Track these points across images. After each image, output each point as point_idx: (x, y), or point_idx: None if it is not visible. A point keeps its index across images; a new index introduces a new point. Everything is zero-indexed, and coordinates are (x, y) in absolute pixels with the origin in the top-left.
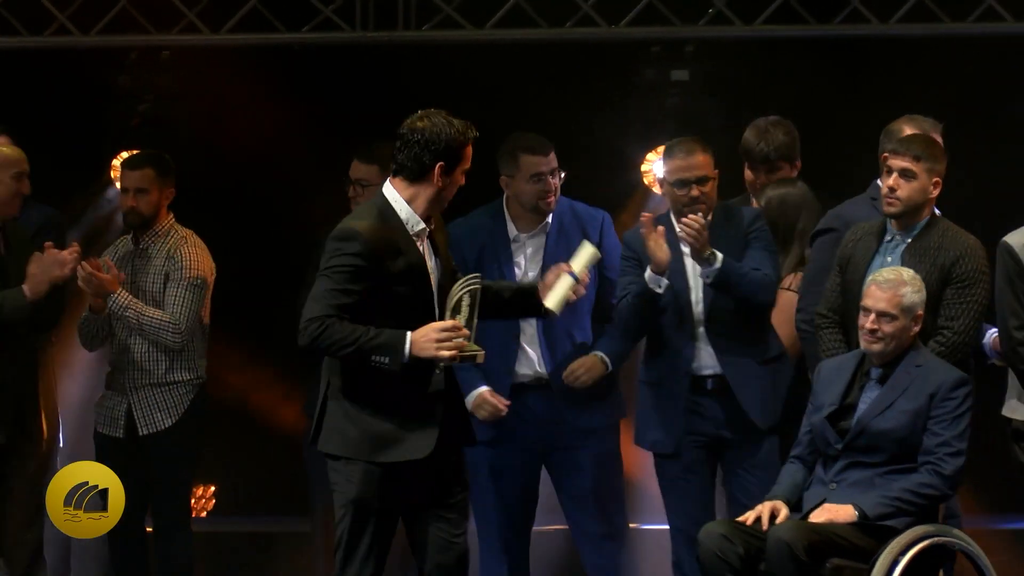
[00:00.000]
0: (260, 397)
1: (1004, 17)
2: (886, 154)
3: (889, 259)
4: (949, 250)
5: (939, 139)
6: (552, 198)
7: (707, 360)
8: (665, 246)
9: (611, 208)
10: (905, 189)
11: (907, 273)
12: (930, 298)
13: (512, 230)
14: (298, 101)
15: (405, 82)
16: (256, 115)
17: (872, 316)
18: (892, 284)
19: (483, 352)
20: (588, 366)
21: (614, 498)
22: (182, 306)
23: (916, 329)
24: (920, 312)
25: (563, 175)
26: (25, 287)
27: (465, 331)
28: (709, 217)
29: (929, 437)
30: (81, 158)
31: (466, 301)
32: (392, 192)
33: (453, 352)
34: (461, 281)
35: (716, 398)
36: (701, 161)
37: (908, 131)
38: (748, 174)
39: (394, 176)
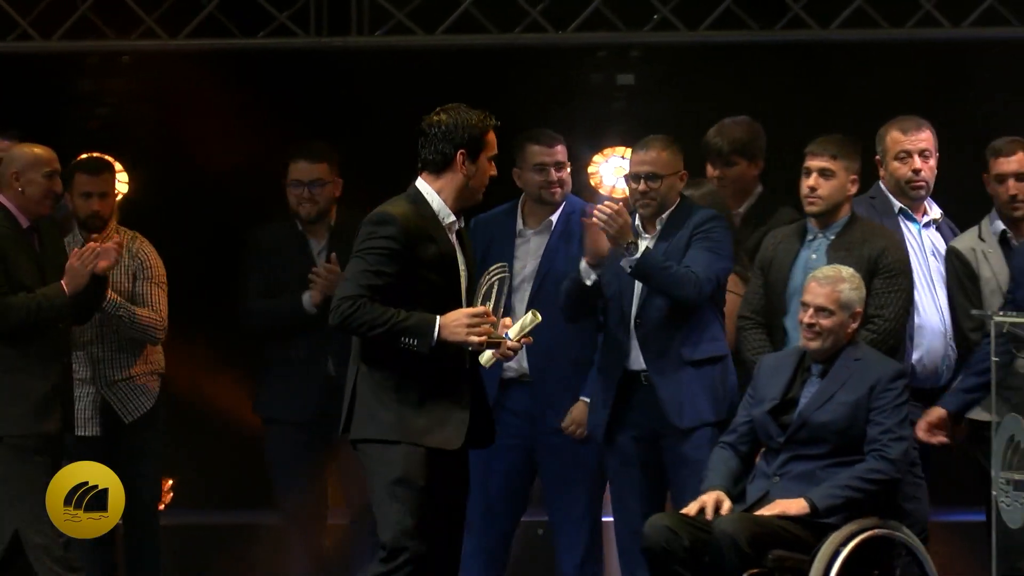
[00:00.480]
0: (213, 390)
1: (942, 23)
2: (806, 155)
3: (814, 256)
4: (874, 243)
5: (932, 138)
6: (556, 189)
7: (639, 356)
8: (602, 240)
9: None
10: (825, 188)
11: (846, 271)
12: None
13: (519, 225)
14: (254, 104)
15: (359, 86)
16: (213, 118)
17: (811, 311)
18: (831, 280)
19: (506, 340)
20: (576, 417)
21: (594, 486)
22: (160, 302)
23: (854, 326)
24: (859, 309)
25: (568, 169)
26: (64, 282)
27: (493, 318)
28: (665, 215)
29: (872, 427)
30: None
31: (496, 288)
32: (424, 185)
33: (482, 337)
34: (491, 269)
35: (649, 394)
36: (654, 158)
37: (895, 133)
38: (708, 169)
39: (421, 171)
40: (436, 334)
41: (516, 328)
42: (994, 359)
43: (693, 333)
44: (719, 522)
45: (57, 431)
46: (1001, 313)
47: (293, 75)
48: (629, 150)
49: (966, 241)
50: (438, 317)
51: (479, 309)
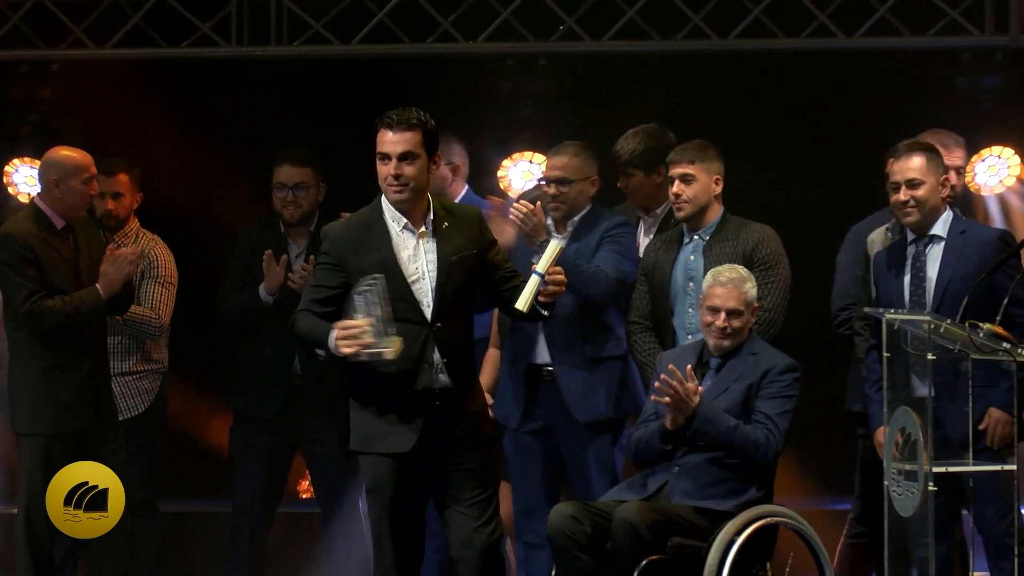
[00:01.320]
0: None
1: (835, 33)
2: (668, 164)
3: (692, 258)
4: (747, 238)
5: (959, 151)
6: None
7: (544, 351)
8: (505, 233)
9: None
10: (689, 191)
11: (743, 270)
12: None
13: None
14: (178, 111)
15: (280, 95)
16: (140, 124)
17: (722, 315)
18: (735, 282)
19: (395, 348)
20: None
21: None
22: (161, 301)
23: (752, 320)
24: (756, 305)
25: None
26: (99, 286)
27: (363, 328)
28: (576, 218)
29: (760, 403)
30: None
31: (358, 302)
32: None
33: (353, 349)
34: (362, 280)
35: (551, 388)
36: (564, 163)
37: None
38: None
39: None
40: (331, 345)
41: (543, 261)
42: (886, 354)
43: (598, 332)
44: (620, 511)
45: (84, 428)
46: (892, 311)
47: (217, 82)
48: (536, 154)
49: (878, 234)
50: (333, 328)
51: (346, 323)
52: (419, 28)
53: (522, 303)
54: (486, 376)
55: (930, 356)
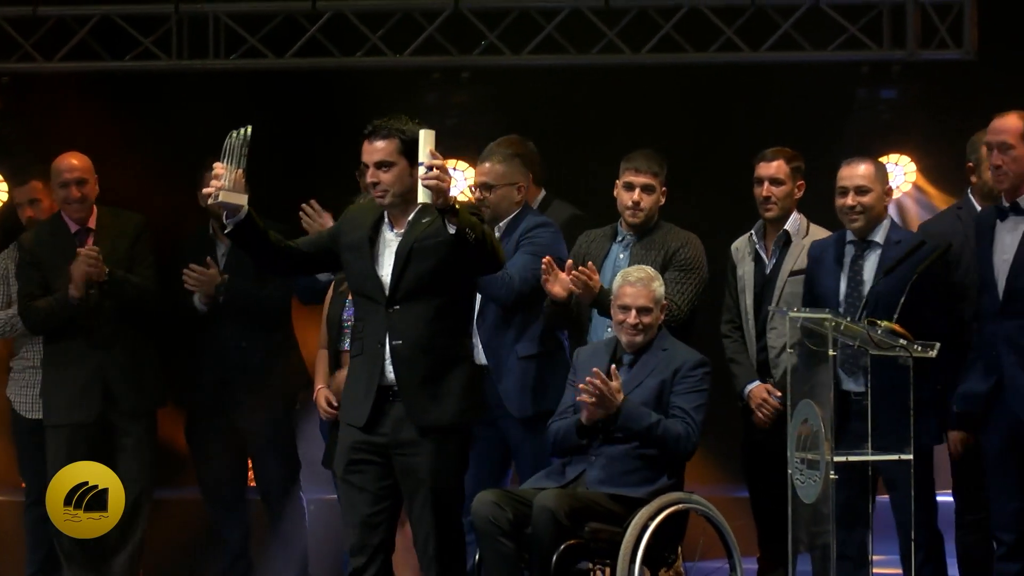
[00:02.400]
0: None
1: (742, 48)
2: (627, 173)
3: (621, 256)
4: (672, 241)
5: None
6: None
7: (482, 353)
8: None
9: None
10: (647, 201)
11: (650, 270)
12: None
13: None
14: (122, 121)
15: (222, 105)
16: (85, 133)
17: (633, 312)
18: (644, 281)
19: (235, 201)
20: None
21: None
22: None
23: (663, 317)
24: (665, 302)
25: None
26: (70, 287)
27: (221, 171)
28: (503, 223)
29: (676, 398)
30: None
31: (224, 148)
32: None
33: (210, 189)
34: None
35: (492, 385)
36: (487, 169)
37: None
38: None
39: None
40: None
41: (420, 152)
42: (789, 350)
43: (524, 331)
44: (540, 498)
45: (94, 418)
46: (796, 309)
47: (158, 94)
48: (460, 161)
49: (739, 241)
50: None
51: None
52: (349, 43)
53: (422, 196)
54: (320, 377)
55: (831, 352)
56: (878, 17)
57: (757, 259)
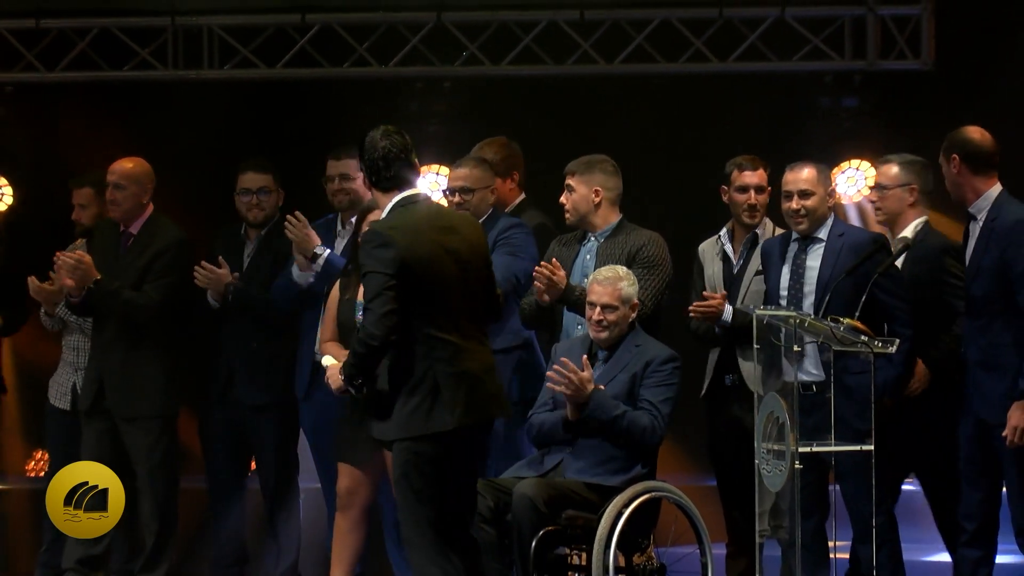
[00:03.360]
0: None
1: (710, 58)
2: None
3: (588, 257)
4: (635, 240)
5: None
6: (340, 198)
7: None
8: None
9: None
10: (570, 201)
11: (622, 270)
12: None
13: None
14: (117, 129)
15: (215, 113)
16: (85, 139)
17: (598, 309)
18: (611, 280)
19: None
20: None
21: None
22: None
23: (633, 315)
24: (636, 301)
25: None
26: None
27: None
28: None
29: (644, 391)
30: None
31: None
32: None
33: None
34: None
35: None
36: (466, 174)
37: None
38: None
39: None
40: None
41: None
42: (756, 346)
43: (500, 326)
44: (519, 487)
45: (86, 407)
46: (761, 307)
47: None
48: (442, 167)
49: (706, 243)
50: None
51: None
52: (337, 54)
53: None
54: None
55: (796, 348)
56: (840, 29)
57: (725, 259)
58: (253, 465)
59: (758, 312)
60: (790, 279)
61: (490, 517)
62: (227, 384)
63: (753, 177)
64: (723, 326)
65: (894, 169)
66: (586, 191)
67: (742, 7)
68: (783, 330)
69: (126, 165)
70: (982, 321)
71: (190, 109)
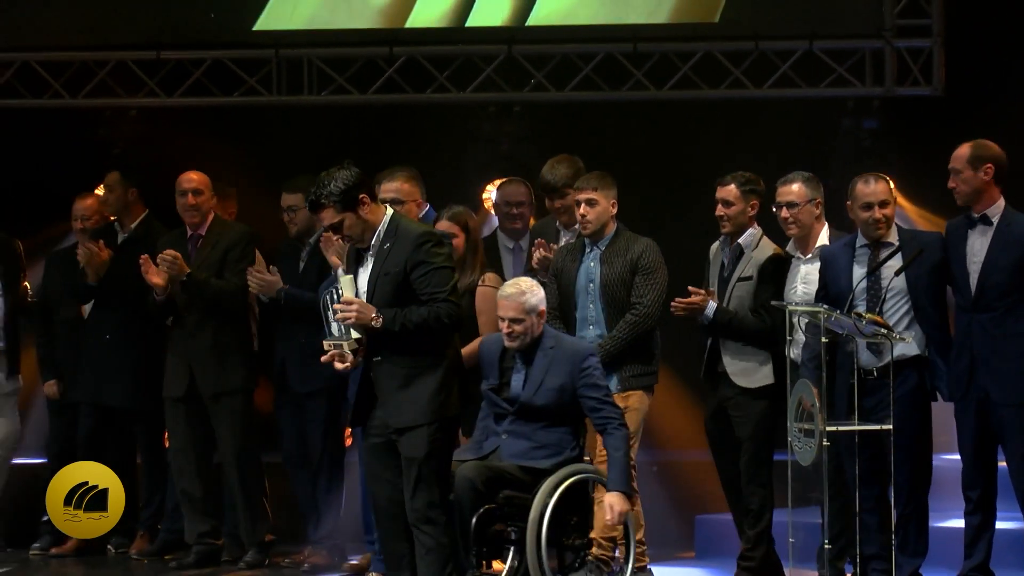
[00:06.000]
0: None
1: (747, 85)
2: (575, 192)
3: (592, 264)
4: (634, 248)
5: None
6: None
7: None
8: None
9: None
10: (592, 213)
11: (524, 283)
12: (624, 285)
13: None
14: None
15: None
16: (199, 158)
17: (506, 322)
18: (514, 296)
19: (348, 346)
20: None
21: None
22: None
23: (542, 322)
24: (542, 308)
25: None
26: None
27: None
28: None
29: (588, 401)
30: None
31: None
32: None
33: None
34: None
35: None
36: (396, 187)
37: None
38: (547, 201)
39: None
40: None
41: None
42: (788, 337)
43: None
44: (461, 469)
45: (183, 393)
46: (794, 304)
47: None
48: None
49: (714, 246)
50: None
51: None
52: (420, 82)
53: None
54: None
55: (824, 339)
56: (861, 60)
57: (721, 265)
58: (349, 441)
59: (789, 308)
60: (868, 281)
61: None
62: (281, 373)
63: (722, 191)
64: (704, 322)
65: (798, 186)
66: (606, 204)
67: (775, 40)
68: (812, 324)
69: (198, 175)
70: (995, 313)
71: (292, 130)
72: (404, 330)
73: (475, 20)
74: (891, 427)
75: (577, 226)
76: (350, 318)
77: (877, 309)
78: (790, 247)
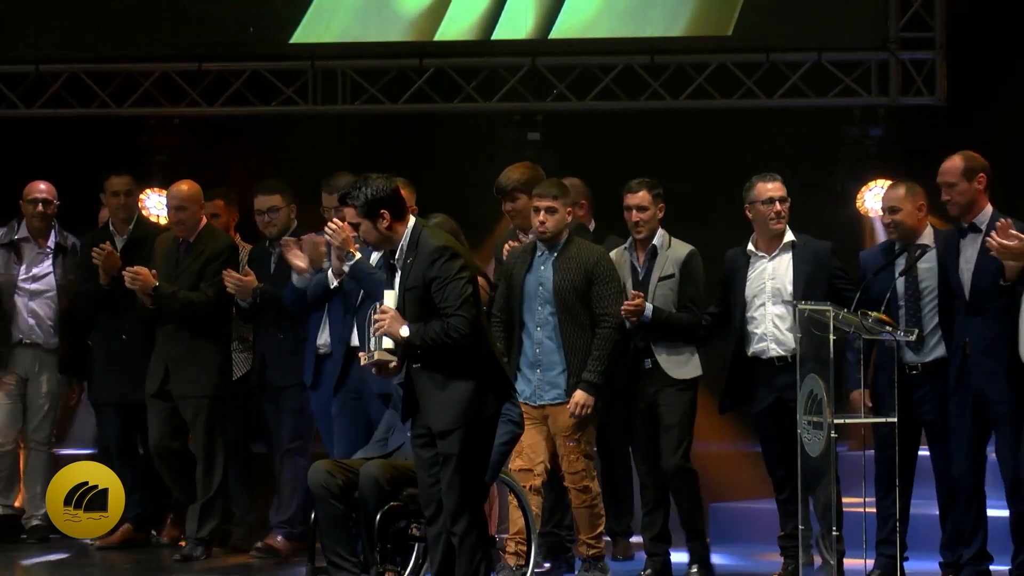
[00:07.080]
0: None
1: (759, 95)
2: (535, 199)
3: (543, 268)
4: (588, 256)
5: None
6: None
7: (355, 335)
8: (318, 250)
9: (487, 228)
10: (551, 221)
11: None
12: (576, 291)
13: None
14: (265, 154)
15: (349, 142)
16: (238, 164)
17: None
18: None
19: (380, 357)
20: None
21: None
22: None
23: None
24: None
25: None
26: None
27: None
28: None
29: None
30: None
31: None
32: None
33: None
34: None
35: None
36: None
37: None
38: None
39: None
40: None
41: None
42: (798, 335)
43: None
44: (365, 468)
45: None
46: (802, 302)
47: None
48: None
49: (613, 253)
50: None
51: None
52: (448, 91)
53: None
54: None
55: (832, 337)
56: (867, 71)
57: (632, 269)
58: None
59: (800, 306)
60: (906, 281)
61: (339, 494)
62: (261, 367)
63: (634, 198)
64: (644, 321)
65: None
66: (563, 213)
67: (785, 53)
68: (821, 322)
69: (183, 188)
70: (986, 315)
71: (326, 138)
72: (424, 344)
73: (500, 33)
74: (895, 419)
75: (532, 233)
76: (381, 327)
77: (913, 309)
78: (750, 247)
